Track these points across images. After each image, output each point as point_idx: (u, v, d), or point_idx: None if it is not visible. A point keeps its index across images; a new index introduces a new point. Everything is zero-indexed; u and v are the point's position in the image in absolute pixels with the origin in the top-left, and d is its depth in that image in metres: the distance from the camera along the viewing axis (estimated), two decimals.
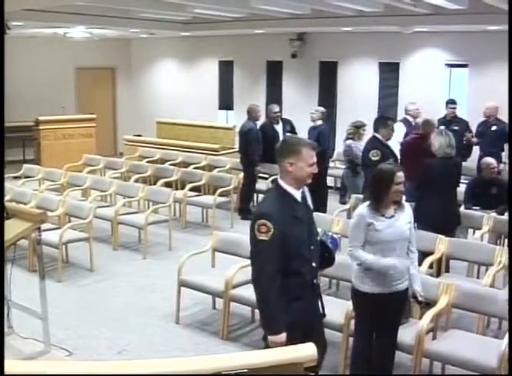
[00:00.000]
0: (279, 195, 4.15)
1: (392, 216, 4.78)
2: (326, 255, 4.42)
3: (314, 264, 4.23)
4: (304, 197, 4.26)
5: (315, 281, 4.29)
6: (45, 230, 6.60)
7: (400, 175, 4.76)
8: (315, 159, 4.15)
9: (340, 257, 4.93)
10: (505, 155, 10.72)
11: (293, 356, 2.35)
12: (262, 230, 3.97)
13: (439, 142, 7.56)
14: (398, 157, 8.89)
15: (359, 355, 5.05)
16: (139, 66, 18.10)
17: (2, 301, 5.48)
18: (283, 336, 4.01)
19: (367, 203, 4.87)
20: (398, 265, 4.73)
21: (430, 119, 9.75)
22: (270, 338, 4.05)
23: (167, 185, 10.96)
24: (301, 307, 4.17)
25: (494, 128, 10.82)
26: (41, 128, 13.98)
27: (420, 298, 4.86)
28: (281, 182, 4.16)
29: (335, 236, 4.73)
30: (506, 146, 10.74)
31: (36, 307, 5.79)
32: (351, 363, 5.16)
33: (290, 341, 3.89)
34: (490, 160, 8.91)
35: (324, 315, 4.46)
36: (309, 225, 4.27)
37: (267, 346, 4.15)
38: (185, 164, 12.39)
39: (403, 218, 4.85)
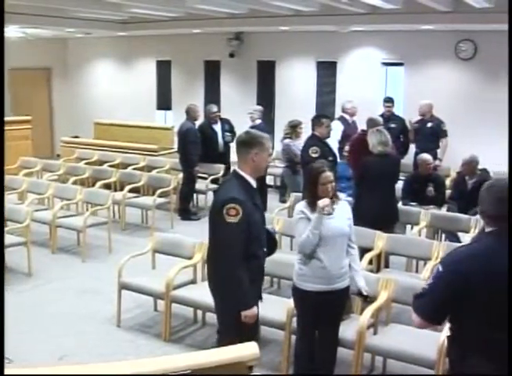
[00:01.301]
0: (240, 183, 4.39)
1: (330, 213, 4.82)
2: (271, 241, 4.71)
3: (265, 249, 4.54)
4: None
5: (264, 265, 4.61)
6: None
7: (326, 176, 4.83)
8: (271, 150, 4.48)
9: (281, 256, 4.96)
10: (440, 152, 10.92)
11: (236, 355, 2.35)
12: (232, 213, 4.21)
13: (371, 140, 7.66)
14: (337, 154, 9.00)
15: (302, 353, 5.07)
16: (76, 66, 17.84)
17: (2, 300, 5.43)
18: (255, 309, 4.37)
19: (304, 200, 4.94)
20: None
21: (375, 117, 9.87)
22: (244, 312, 4.32)
23: (106, 186, 10.83)
24: (256, 290, 4.51)
25: (429, 125, 11.02)
26: None
27: (365, 293, 4.92)
28: (240, 172, 4.42)
29: (273, 229, 4.91)
30: (441, 143, 10.95)
31: None
32: (295, 362, 5.18)
33: (248, 325, 4.34)
34: (426, 156, 9.06)
35: (261, 297, 4.72)
36: (262, 214, 4.62)
37: (221, 339, 4.52)
38: (124, 165, 12.26)
39: (341, 215, 4.91)
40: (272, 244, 4.72)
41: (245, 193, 4.32)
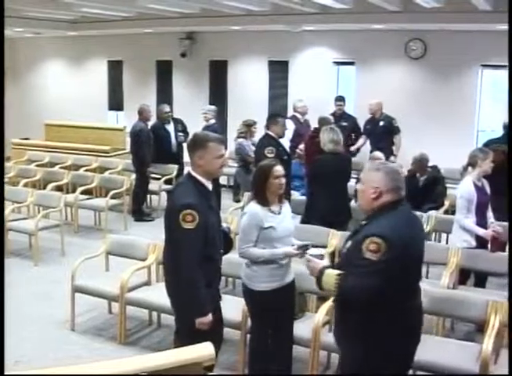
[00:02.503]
0: (194, 186, 4.34)
1: (279, 212, 4.84)
2: (227, 241, 4.73)
3: (221, 250, 4.54)
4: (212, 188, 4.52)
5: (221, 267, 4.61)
6: None
7: (278, 169, 4.81)
8: (223, 151, 4.42)
9: (236, 256, 4.95)
10: (395, 148, 11.03)
11: (191, 356, 2.34)
12: (188, 219, 4.16)
13: (323, 138, 7.71)
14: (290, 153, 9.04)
15: (257, 352, 5.08)
16: (26, 66, 17.56)
17: (2, 300, 5.33)
18: (210, 316, 4.32)
19: (255, 200, 4.88)
20: (291, 250, 4.76)
21: (326, 116, 9.96)
22: (199, 320, 4.29)
23: (58, 188, 10.70)
24: (213, 293, 4.49)
25: (381, 123, 11.13)
26: None
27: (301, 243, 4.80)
28: (193, 174, 4.38)
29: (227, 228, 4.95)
30: (395, 140, 11.07)
31: None
32: (250, 362, 5.17)
33: (208, 329, 4.30)
34: (378, 154, 9.16)
35: (220, 297, 4.77)
36: (218, 216, 4.60)
37: (178, 339, 4.51)
38: (76, 167, 12.12)
39: (288, 214, 4.98)
40: (227, 244, 4.72)
41: (200, 197, 4.28)
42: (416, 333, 3.79)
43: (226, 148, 10.48)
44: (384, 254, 3.39)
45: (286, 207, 4.99)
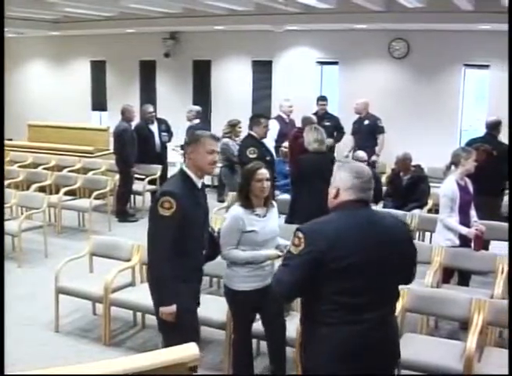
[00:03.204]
0: (183, 179, 4.40)
1: (265, 215, 4.84)
2: (215, 248, 4.72)
3: (204, 251, 4.52)
4: (203, 187, 4.54)
5: (202, 267, 4.60)
6: None
7: (261, 172, 4.80)
8: (215, 147, 4.45)
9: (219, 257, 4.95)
10: (378, 148, 11.07)
11: (176, 356, 2.34)
12: (165, 206, 4.19)
13: (308, 137, 7.72)
14: (274, 153, 9.05)
15: (240, 353, 5.07)
16: (8, 67, 17.35)
17: (2, 299, 5.37)
18: (173, 307, 4.28)
19: (238, 202, 4.88)
20: (274, 252, 4.80)
21: (309, 115, 9.99)
22: (162, 309, 4.31)
23: (41, 189, 10.63)
24: (188, 290, 4.41)
25: (367, 122, 11.18)
26: None
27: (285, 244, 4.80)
28: (185, 169, 4.43)
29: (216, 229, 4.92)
30: (379, 140, 11.11)
31: None
32: (234, 362, 5.16)
33: (185, 325, 4.32)
34: (361, 153, 9.21)
35: (199, 303, 4.68)
36: (205, 215, 4.59)
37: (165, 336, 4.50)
38: (59, 168, 12.06)
39: (274, 217, 4.98)
40: (214, 247, 4.69)
41: (186, 190, 4.31)
42: (356, 360, 3.27)
43: None
44: (303, 249, 3.27)
45: (273, 211, 4.98)
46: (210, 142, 4.43)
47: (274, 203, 5.07)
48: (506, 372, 4.29)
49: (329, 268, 3.21)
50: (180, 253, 4.25)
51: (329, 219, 3.50)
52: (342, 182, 3.47)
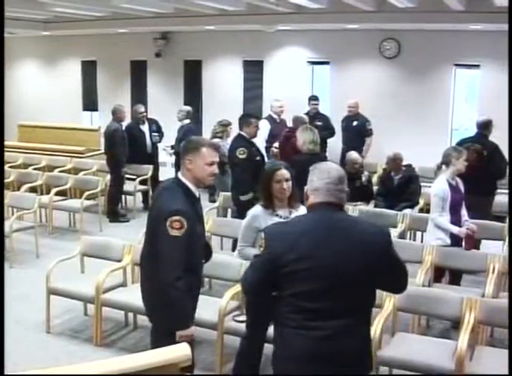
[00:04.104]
0: (183, 191, 4.16)
1: (287, 217, 4.78)
2: (207, 250, 4.55)
3: (203, 260, 4.41)
4: (199, 195, 4.35)
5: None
6: None
7: (280, 173, 4.81)
8: (215, 159, 4.23)
9: (212, 255, 4.94)
10: (364, 150, 11.08)
11: (168, 357, 2.33)
12: (176, 226, 3.97)
13: (303, 138, 7.71)
14: (264, 154, 9.04)
15: (250, 352, 4.99)
16: None
17: (2, 299, 5.31)
18: (192, 329, 4.14)
19: (261, 202, 4.89)
20: None
21: (300, 115, 9.99)
22: (181, 333, 4.07)
23: (32, 190, 10.60)
24: (194, 305, 4.33)
25: (355, 123, 11.18)
26: None
27: None
28: (182, 179, 4.20)
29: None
30: (366, 142, 11.12)
31: None
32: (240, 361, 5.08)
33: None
34: (355, 155, 9.20)
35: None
36: (203, 225, 4.47)
37: (158, 339, 4.21)
38: (50, 168, 12.02)
39: None
40: (207, 250, 4.57)
41: (188, 204, 4.11)
42: (309, 368, 3.17)
43: None
44: (264, 250, 3.30)
45: (298, 212, 4.80)
46: (211, 153, 4.20)
47: (300, 205, 4.89)
48: (498, 370, 4.31)
49: (284, 270, 3.15)
50: (186, 270, 4.07)
51: (292, 222, 3.54)
52: (310, 184, 3.41)
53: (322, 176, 3.34)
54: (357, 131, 11.11)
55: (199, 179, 4.21)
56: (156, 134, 11.27)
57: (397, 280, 3.39)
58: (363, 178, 8.96)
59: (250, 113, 10.24)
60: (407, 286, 3.45)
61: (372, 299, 3.34)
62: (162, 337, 4.21)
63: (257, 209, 4.88)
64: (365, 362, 3.32)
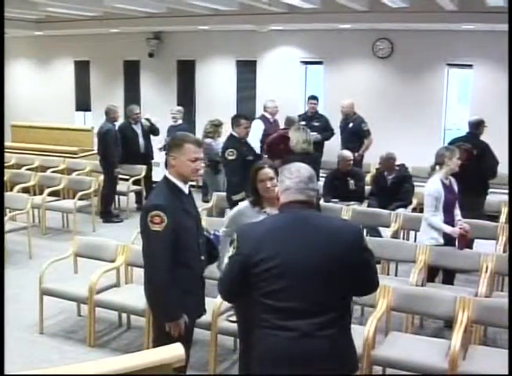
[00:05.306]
0: (168, 188, 4.20)
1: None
2: (212, 251, 4.54)
3: (202, 257, 4.36)
4: (190, 191, 4.37)
5: (203, 275, 4.44)
6: None
7: (263, 172, 4.77)
8: (199, 155, 4.24)
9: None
10: (362, 149, 11.05)
11: (161, 357, 2.33)
12: (156, 221, 4.03)
13: (296, 137, 7.71)
14: (260, 153, 9.04)
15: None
16: None
17: (2, 301, 5.32)
18: (181, 321, 4.17)
19: (249, 199, 4.90)
20: None
21: (292, 115, 9.99)
22: (169, 324, 4.15)
23: (25, 190, 10.58)
24: (193, 301, 4.33)
25: (350, 125, 11.10)
26: None
27: None
28: (169, 176, 4.24)
29: (217, 233, 4.80)
30: (365, 142, 11.09)
31: None
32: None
33: (183, 335, 4.14)
34: (346, 153, 9.22)
35: (205, 310, 4.58)
36: (196, 219, 4.42)
37: (159, 336, 4.28)
38: (43, 168, 12.01)
39: None
40: (213, 254, 4.57)
41: (173, 199, 4.13)
42: (282, 369, 3.14)
43: None
44: (235, 251, 3.31)
45: None
46: (194, 149, 4.19)
47: None
48: (492, 369, 4.32)
49: (254, 270, 3.16)
50: (178, 265, 4.10)
51: (263, 221, 3.51)
52: (281, 185, 3.38)
53: (292, 176, 3.33)
54: (353, 133, 11.04)
55: (183, 175, 4.23)
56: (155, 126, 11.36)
57: (368, 277, 3.35)
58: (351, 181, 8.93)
59: (242, 113, 10.22)
60: (378, 287, 3.47)
61: (347, 296, 3.30)
62: (160, 333, 4.28)
63: (243, 205, 4.88)
64: (348, 362, 3.26)
